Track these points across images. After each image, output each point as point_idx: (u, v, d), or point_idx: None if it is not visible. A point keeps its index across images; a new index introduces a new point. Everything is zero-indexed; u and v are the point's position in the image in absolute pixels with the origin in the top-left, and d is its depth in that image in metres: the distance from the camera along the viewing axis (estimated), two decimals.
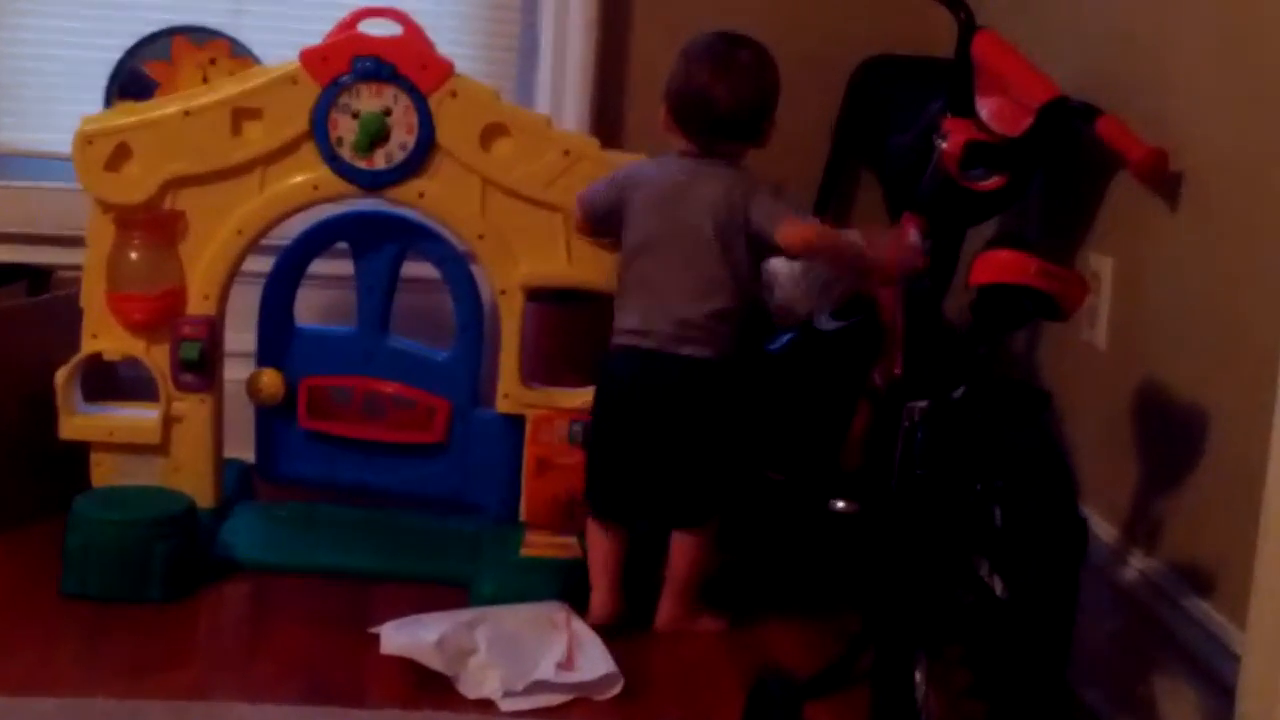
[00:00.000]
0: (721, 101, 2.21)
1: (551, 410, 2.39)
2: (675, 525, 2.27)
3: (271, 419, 2.51)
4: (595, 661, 2.07)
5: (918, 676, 1.83)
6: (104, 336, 2.37)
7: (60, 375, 2.35)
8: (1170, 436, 1.98)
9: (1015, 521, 1.72)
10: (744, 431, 2.27)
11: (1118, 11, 2.21)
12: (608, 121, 2.80)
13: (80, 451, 2.39)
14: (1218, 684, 1.79)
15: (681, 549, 2.26)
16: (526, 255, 2.38)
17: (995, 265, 1.87)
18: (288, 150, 2.34)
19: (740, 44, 2.25)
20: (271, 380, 2.47)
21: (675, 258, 2.22)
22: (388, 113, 2.32)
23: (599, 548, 2.27)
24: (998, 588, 1.77)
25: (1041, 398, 1.85)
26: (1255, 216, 1.81)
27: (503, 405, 2.42)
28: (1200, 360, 1.93)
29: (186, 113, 2.33)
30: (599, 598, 2.25)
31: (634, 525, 2.28)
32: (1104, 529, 2.08)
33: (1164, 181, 2.00)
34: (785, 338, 2.45)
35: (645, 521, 2.28)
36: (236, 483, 2.52)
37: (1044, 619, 1.67)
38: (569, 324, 2.53)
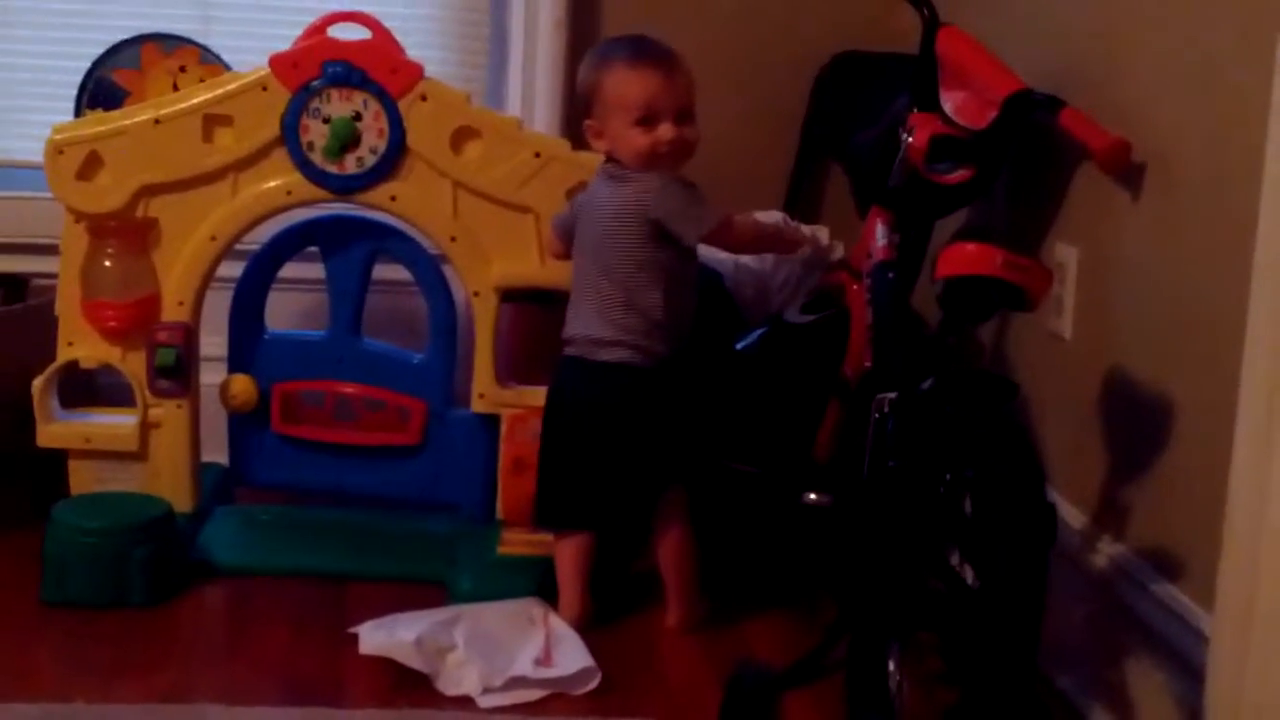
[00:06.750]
0: None
1: (526, 409, 2.39)
2: (621, 527, 2.28)
3: (245, 424, 2.51)
4: (573, 657, 2.08)
5: (891, 665, 1.84)
6: (80, 344, 2.37)
7: (37, 383, 2.35)
8: (1136, 423, 2.00)
9: (984, 510, 1.74)
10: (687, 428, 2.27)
11: (1079, 5, 2.23)
12: (579, 123, 2.81)
13: (58, 459, 2.39)
14: (1186, 666, 1.81)
15: (669, 549, 2.26)
16: (499, 256, 2.39)
17: (962, 258, 1.89)
18: (259, 156, 2.34)
19: None
20: (243, 387, 2.47)
21: None
22: (358, 117, 2.32)
23: (566, 552, 2.26)
24: (968, 576, 1.78)
25: (1009, 387, 1.86)
26: (1216, 205, 1.83)
27: (478, 405, 2.43)
28: (1164, 347, 1.95)
29: (157, 121, 2.33)
30: (567, 600, 2.24)
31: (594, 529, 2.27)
32: (1073, 516, 2.10)
33: (1127, 171, 2.02)
34: (756, 333, 2.46)
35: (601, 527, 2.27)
36: (214, 487, 2.52)
37: (1014, 606, 1.68)
38: (543, 324, 2.53)
